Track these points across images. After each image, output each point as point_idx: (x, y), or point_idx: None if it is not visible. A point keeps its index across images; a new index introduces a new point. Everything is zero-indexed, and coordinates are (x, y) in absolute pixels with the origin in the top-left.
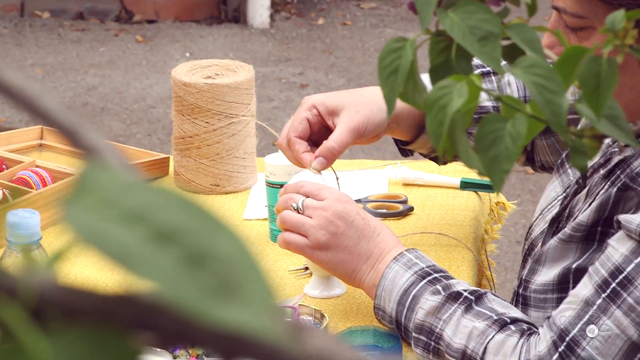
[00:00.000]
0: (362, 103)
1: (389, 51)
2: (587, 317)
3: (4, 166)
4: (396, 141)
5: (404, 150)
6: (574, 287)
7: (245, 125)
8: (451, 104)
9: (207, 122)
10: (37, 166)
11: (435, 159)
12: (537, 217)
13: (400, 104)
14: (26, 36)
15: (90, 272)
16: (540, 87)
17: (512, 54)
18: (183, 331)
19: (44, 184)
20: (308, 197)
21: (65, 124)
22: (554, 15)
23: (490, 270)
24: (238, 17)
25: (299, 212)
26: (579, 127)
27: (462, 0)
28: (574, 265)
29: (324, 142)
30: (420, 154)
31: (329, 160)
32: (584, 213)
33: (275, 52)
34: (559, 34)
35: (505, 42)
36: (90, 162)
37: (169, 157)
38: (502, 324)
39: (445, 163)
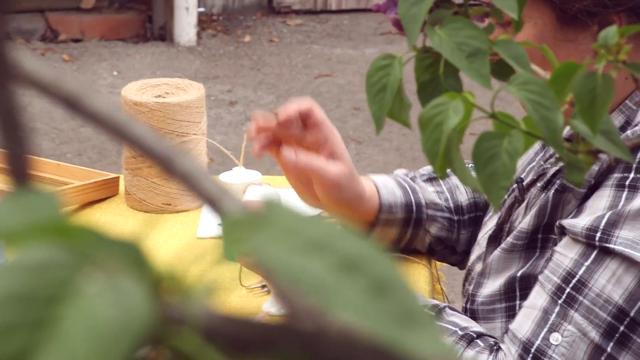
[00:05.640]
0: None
1: (377, 68)
2: (548, 325)
3: None
4: None
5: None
6: (521, 295)
7: (197, 144)
8: (447, 122)
9: None
10: None
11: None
12: (475, 246)
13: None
14: None
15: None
16: (535, 104)
17: (500, 70)
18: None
19: None
20: None
21: (158, 151)
22: None
23: (440, 283)
24: (164, 35)
25: None
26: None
27: (448, 16)
28: (518, 274)
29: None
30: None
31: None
32: (524, 220)
33: (203, 70)
34: (546, 49)
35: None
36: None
37: (119, 177)
38: (469, 339)
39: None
